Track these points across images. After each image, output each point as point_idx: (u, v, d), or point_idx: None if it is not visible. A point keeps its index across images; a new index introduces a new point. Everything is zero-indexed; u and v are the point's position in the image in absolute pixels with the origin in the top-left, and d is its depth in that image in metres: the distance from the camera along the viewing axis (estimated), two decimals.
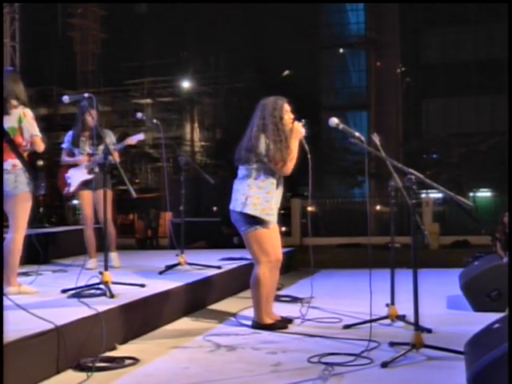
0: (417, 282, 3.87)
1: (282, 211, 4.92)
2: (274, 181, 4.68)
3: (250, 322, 4.83)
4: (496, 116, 27.25)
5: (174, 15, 28.13)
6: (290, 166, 4.64)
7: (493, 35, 27.29)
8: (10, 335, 3.35)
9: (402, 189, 4.25)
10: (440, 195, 18.06)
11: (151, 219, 18.10)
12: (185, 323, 5.06)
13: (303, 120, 4.73)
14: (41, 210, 7.60)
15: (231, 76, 27.85)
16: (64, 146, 6.54)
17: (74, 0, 30.67)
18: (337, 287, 6.77)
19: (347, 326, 4.69)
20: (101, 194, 5.84)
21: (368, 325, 4.32)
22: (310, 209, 15.30)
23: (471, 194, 22.58)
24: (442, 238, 16.07)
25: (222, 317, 5.22)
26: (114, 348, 4.15)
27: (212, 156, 28.10)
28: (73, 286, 4.86)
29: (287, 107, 4.73)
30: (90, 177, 6.34)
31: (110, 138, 6.46)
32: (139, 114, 7.17)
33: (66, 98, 5.00)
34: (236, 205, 4.66)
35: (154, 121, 6.60)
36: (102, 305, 4.32)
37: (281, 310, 5.13)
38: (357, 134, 4.23)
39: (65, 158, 6.53)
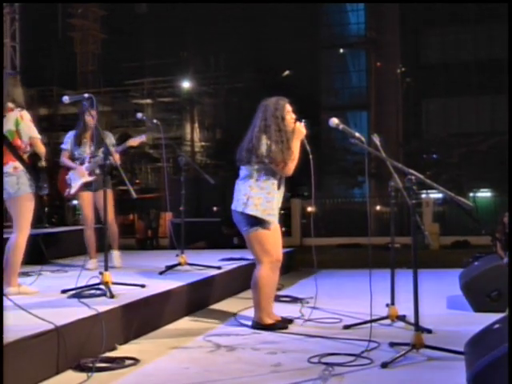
0: (417, 283, 3.87)
1: (282, 211, 4.92)
2: (275, 181, 4.68)
3: (250, 323, 4.83)
4: (496, 116, 27.25)
5: (173, 15, 28.14)
6: (291, 167, 4.64)
7: (493, 35, 27.29)
8: (9, 335, 3.35)
9: (402, 189, 4.25)
10: (440, 195, 18.05)
11: (151, 219, 18.10)
12: (185, 323, 5.06)
13: (303, 120, 4.73)
14: (46, 209, 7.61)
15: (231, 76, 27.85)
16: (64, 146, 6.53)
17: (74, 0, 30.68)
18: (337, 287, 6.77)
19: (347, 327, 4.69)
20: (101, 194, 5.84)
21: (368, 325, 4.32)
22: (311, 209, 15.30)
23: (471, 195, 22.58)
24: (442, 239, 16.07)
25: (222, 317, 5.22)
26: (114, 348, 4.15)
27: (212, 156, 28.10)
28: (73, 286, 4.86)
29: (289, 107, 4.73)
30: (91, 179, 6.34)
31: (110, 139, 6.46)
32: (139, 114, 7.17)
33: (66, 99, 5.00)
34: (237, 205, 4.67)
35: (154, 121, 6.60)
36: (102, 305, 4.32)
37: (281, 310, 5.13)
38: (357, 134, 4.23)
39: (65, 160, 6.52)
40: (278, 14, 28.09)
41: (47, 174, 4.85)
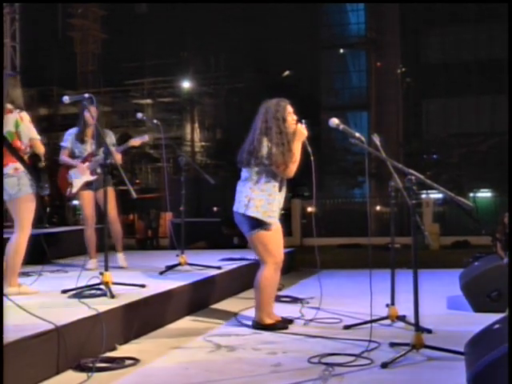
0: (417, 283, 3.87)
1: (283, 211, 4.92)
2: (276, 183, 4.68)
3: (250, 323, 4.83)
4: (496, 116, 27.24)
5: (173, 15, 28.13)
6: (292, 169, 4.64)
7: (493, 35, 27.28)
8: (9, 335, 3.36)
9: (402, 189, 4.25)
10: (440, 196, 18.04)
11: (151, 219, 18.09)
12: (185, 323, 5.06)
13: (303, 120, 4.73)
14: (48, 209, 7.61)
15: (231, 76, 27.84)
16: (63, 144, 6.50)
17: (74, 0, 30.67)
18: (337, 287, 6.76)
19: (347, 327, 4.69)
20: (103, 193, 5.86)
21: (368, 325, 4.32)
22: (312, 210, 15.28)
23: (471, 195, 22.56)
24: (442, 239, 16.05)
25: (222, 317, 5.22)
26: (114, 348, 4.15)
27: (212, 156, 28.10)
28: (73, 286, 4.86)
29: (290, 109, 4.73)
30: (92, 178, 6.32)
31: (111, 138, 6.45)
32: (139, 115, 7.18)
33: (66, 99, 5.00)
34: (239, 207, 4.68)
35: (155, 121, 6.60)
36: (103, 305, 4.32)
37: (281, 310, 5.13)
38: (357, 134, 4.22)
39: (64, 158, 6.50)
40: (278, 14, 28.10)
41: (47, 174, 4.85)
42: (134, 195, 4.82)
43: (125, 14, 29.91)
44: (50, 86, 27.26)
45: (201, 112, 29.60)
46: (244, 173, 4.74)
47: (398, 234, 5.29)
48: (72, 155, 6.46)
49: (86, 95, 5.04)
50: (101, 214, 6.41)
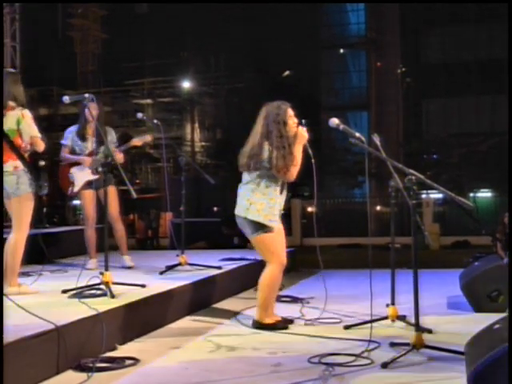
0: (417, 283, 3.87)
1: (283, 211, 4.92)
2: (277, 187, 4.69)
3: (250, 322, 4.83)
4: (496, 116, 27.24)
5: (173, 15, 28.13)
6: (293, 173, 4.64)
7: (493, 35, 27.28)
8: (9, 335, 3.35)
9: (402, 189, 4.25)
10: (440, 196, 18.03)
11: (151, 219, 18.09)
12: (185, 323, 5.06)
13: (303, 120, 4.72)
14: (44, 210, 7.60)
15: (231, 76, 27.85)
16: (64, 142, 6.46)
17: (74, 0, 30.66)
18: (337, 287, 6.76)
19: (348, 327, 4.69)
20: (108, 193, 5.87)
21: (368, 325, 4.32)
22: (312, 210, 15.28)
23: (471, 195, 22.56)
24: (442, 239, 16.05)
25: (222, 317, 5.22)
26: (114, 348, 4.15)
27: (212, 156, 28.11)
28: (73, 286, 4.86)
29: (291, 112, 4.72)
30: (94, 177, 6.30)
31: (111, 135, 6.45)
32: (139, 114, 7.17)
33: (66, 98, 5.00)
34: (240, 210, 4.69)
35: (155, 121, 6.59)
36: (103, 305, 4.32)
37: (281, 310, 5.13)
38: (357, 134, 4.22)
39: (65, 155, 6.47)
40: (278, 14, 28.10)
41: (47, 174, 4.84)
42: (134, 195, 4.82)
43: (125, 14, 29.91)
44: (50, 86, 27.26)
45: (201, 112, 29.61)
46: (245, 176, 4.74)
47: (398, 234, 5.28)
48: (73, 153, 6.44)
49: (86, 95, 5.04)
50: (102, 213, 6.40)
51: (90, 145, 6.36)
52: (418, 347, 3.85)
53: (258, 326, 4.74)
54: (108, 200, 5.86)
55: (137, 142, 6.46)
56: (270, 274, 4.72)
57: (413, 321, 3.99)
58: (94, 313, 4.09)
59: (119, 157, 6.18)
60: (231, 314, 5.32)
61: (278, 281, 4.80)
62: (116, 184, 6.48)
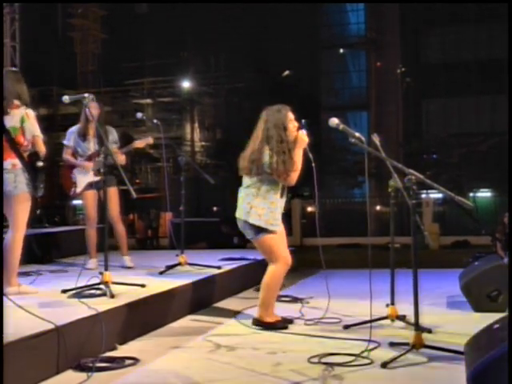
0: (417, 282, 3.87)
1: (283, 211, 4.93)
2: (278, 191, 4.69)
3: (250, 322, 4.84)
4: (496, 116, 27.23)
5: (173, 15, 28.12)
6: (293, 177, 4.64)
7: (493, 35, 27.27)
8: (10, 335, 3.36)
9: (402, 189, 4.25)
10: (440, 195, 18.03)
11: (151, 219, 18.08)
12: (185, 323, 5.06)
13: (303, 120, 4.72)
14: (38, 211, 7.59)
15: (231, 76, 27.83)
16: (66, 142, 6.46)
17: (74, 0, 30.66)
18: (337, 287, 6.76)
19: (347, 326, 4.69)
20: (107, 193, 5.87)
21: (368, 325, 4.32)
22: (312, 209, 15.27)
23: (471, 195, 22.55)
24: (442, 239, 16.03)
25: (222, 317, 5.22)
26: (114, 348, 4.15)
27: (212, 156, 28.09)
28: (73, 286, 4.86)
29: (291, 116, 4.72)
30: (96, 178, 6.29)
31: (113, 135, 6.44)
32: (139, 114, 7.18)
33: (65, 98, 4.99)
34: (241, 214, 4.70)
35: (155, 121, 6.59)
36: (102, 305, 4.32)
37: (281, 310, 5.13)
38: (357, 134, 4.22)
39: (67, 158, 6.46)
40: (277, 14, 28.08)
41: (45, 175, 4.82)
42: (134, 195, 4.82)
43: (125, 13, 29.89)
44: (50, 86, 27.24)
45: (201, 112, 29.59)
46: (246, 180, 4.74)
47: (398, 234, 5.29)
48: (75, 154, 6.44)
49: (86, 95, 5.04)
50: (104, 213, 6.39)
51: (92, 145, 6.35)
52: (418, 347, 3.85)
53: (258, 324, 4.75)
54: (109, 201, 5.88)
55: (139, 144, 6.47)
56: (274, 274, 4.72)
57: (412, 320, 4.00)
58: (93, 313, 4.09)
59: (121, 158, 6.19)
60: (231, 314, 5.32)
61: (280, 280, 4.82)
62: (116, 184, 6.48)
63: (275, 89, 23.06)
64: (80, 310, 4.21)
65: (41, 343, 3.54)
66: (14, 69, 5.58)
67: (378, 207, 19.53)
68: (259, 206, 4.63)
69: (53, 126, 23.91)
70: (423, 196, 18.35)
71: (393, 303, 4.73)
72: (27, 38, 14.80)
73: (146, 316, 4.71)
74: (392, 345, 4.13)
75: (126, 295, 4.73)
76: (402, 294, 4.65)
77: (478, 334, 3.27)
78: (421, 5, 28.61)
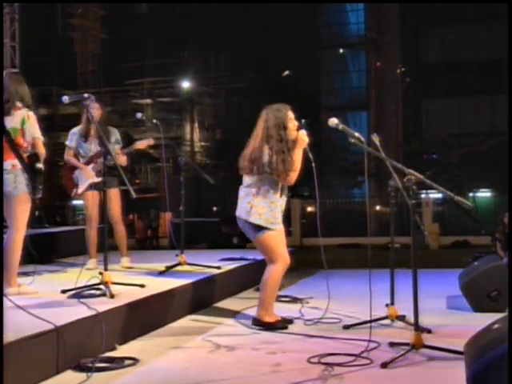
0: (416, 283, 3.87)
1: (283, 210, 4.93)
2: (278, 190, 4.70)
3: (250, 322, 4.83)
4: (496, 116, 27.24)
5: (173, 15, 28.12)
6: (293, 177, 4.64)
7: (493, 35, 27.28)
8: (9, 335, 3.35)
9: (401, 189, 4.25)
10: (440, 195, 18.03)
11: (151, 219, 18.10)
12: (185, 323, 5.06)
13: (303, 120, 4.72)
14: (37, 213, 7.59)
15: (231, 76, 27.83)
16: (68, 143, 6.45)
17: (74, 0, 30.66)
18: (336, 287, 6.76)
19: (347, 327, 4.69)
20: (108, 194, 5.88)
21: (368, 325, 4.32)
22: (312, 209, 15.27)
23: (471, 195, 22.56)
24: (441, 239, 16.04)
25: (221, 317, 5.22)
26: (113, 348, 4.15)
27: (212, 156, 28.09)
28: (73, 286, 4.86)
29: (291, 115, 4.71)
30: (98, 179, 6.28)
31: (115, 135, 6.44)
32: (139, 114, 7.18)
33: (65, 99, 4.99)
34: (241, 213, 4.70)
35: (154, 121, 6.59)
36: (102, 305, 4.32)
37: (281, 310, 5.12)
38: (356, 134, 4.22)
39: (69, 159, 6.45)
40: (277, 14, 28.09)
41: (44, 177, 4.81)
42: (134, 195, 4.82)
43: (125, 13, 29.90)
44: (50, 86, 27.24)
45: (200, 112, 29.59)
46: (246, 179, 4.74)
47: (398, 234, 5.29)
48: (77, 155, 6.44)
49: (86, 95, 5.04)
50: (105, 214, 6.39)
51: (94, 147, 6.34)
52: (418, 347, 3.85)
53: (258, 323, 4.75)
54: (110, 201, 5.88)
55: (140, 144, 6.45)
56: (273, 273, 4.72)
57: (412, 321, 3.99)
58: (93, 313, 4.09)
59: (123, 159, 6.18)
60: (231, 314, 5.32)
61: (280, 280, 4.82)
62: (118, 185, 6.48)
63: (275, 89, 23.06)
64: (80, 310, 4.20)
65: (40, 343, 3.54)
66: (15, 70, 5.59)
67: (377, 207, 19.54)
68: (259, 205, 4.63)
69: (52, 126, 23.92)
70: (423, 196, 18.37)
71: (392, 303, 4.73)
72: (27, 38, 14.81)
73: (146, 316, 4.71)
74: (392, 345, 4.12)
75: (125, 295, 4.73)
76: (401, 294, 4.65)
77: (478, 334, 3.27)
78: (421, 5, 28.63)
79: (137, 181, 26.50)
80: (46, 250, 7.21)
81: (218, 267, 6.34)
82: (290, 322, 4.92)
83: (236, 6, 26.53)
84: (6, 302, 4.04)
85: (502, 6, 20.71)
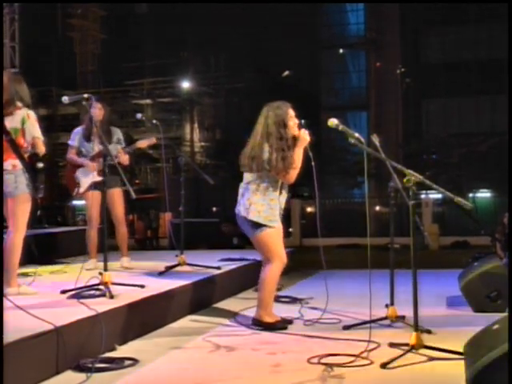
0: (416, 283, 3.87)
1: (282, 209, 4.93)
2: (277, 187, 4.69)
3: (249, 322, 4.83)
4: (496, 116, 27.24)
5: (173, 15, 28.12)
6: (292, 175, 4.64)
7: (493, 35, 27.28)
8: (9, 336, 3.35)
9: (401, 189, 4.25)
10: (440, 196, 18.03)
11: (151, 220, 18.08)
12: (184, 324, 5.06)
13: (303, 120, 4.72)
14: (38, 212, 7.59)
15: (231, 76, 27.83)
16: (71, 142, 6.44)
17: (74, 0, 30.65)
18: (336, 288, 6.76)
19: (347, 327, 4.69)
20: (111, 194, 5.87)
21: (367, 325, 4.32)
22: (312, 210, 15.27)
23: (471, 195, 22.57)
24: (441, 239, 16.04)
25: (221, 317, 5.22)
26: (113, 349, 4.14)
27: (212, 156, 28.08)
28: (72, 286, 4.86)
29: (291, 112, 4.71)
30: (99, 179, 6.26)
31: (118, 135, 6.43)
32: (139, 115, 7.19)
33: (65, 99, 4.99)
34: (241, 209, 4.70)
35: (154, 121, 6.59)
36: (102, 305, 4.32)
37: (281, 310, 5.12)
38: (356, 134, 4.22)
39: (71, 157, 6.46)
40: (277, 14, 28.09)
41: (45, 176, 4.82)
42: (134, 195, 4.82)
43: (125, 13, 29.91)
44: (50, 87, 27.23)
45: (200, 112, 29.58)
46: (246, 176, 4.75)
47: (398, 235, 5.28)
48: (79, 154, 6.44)
49: (85, 95, 5.04)
50: (107, 214, 6.38)
51: (96, 146, 6.34)
52: (417, 347, 3.85)
53: (258, 324, 4.75)
54: (114, 202, 5.87)
55: (142, 143, 6.45)
56: (270, 272, 4.72)
57: (412, 321, 3.99)
58: (93, 313, 4.09)
59: (124, 158, 6.18)
60: (230, 314, 5.32)
61: (277, 278, 4.81)
62: (120, 185, 6.47)
63: (275, 89, 23.04)
64: (79, 310, 4.20)
65: (40, 344, 3.54)
66: (15, 70, 5.60)
67: (377, 207, 19.54)
68: (259, 203, 4.63)
69: (52, 126, 23.93)
70: (423, 196, 18.37)
71: (392, 303, 4.73)
72: (27, 38, 14.82)
73: (146, 316, 4.71)
74: (392, 345, 4.12)
75: (125, 296, 4.73)
76: (401, 295, 4.65)
77: (478, 335, 3.27)
78: (421, 5, 28.63)
79: (137, 181, 26.47)
80: (46, 250, 7.20)
81: (218, 267, 6.34)
82: (290, 322, 4.92)
83: (236, 6, 26.53)
84: (6, 303, 4.04)
85: (502, 6, 20.69)
